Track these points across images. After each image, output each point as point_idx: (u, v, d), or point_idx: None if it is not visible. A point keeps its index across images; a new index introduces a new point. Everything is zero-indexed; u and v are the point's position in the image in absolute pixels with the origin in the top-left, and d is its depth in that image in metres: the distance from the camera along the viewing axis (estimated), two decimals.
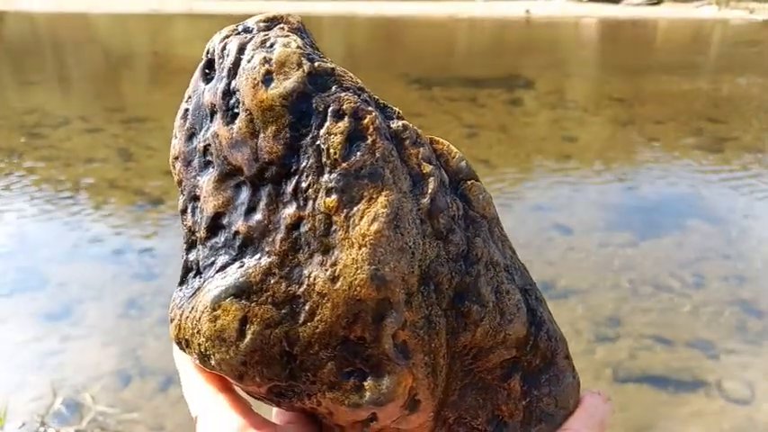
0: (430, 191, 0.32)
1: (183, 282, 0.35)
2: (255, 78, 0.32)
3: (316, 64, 0.33)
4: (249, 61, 0.32)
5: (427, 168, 0.33)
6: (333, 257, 0.30)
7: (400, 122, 0.34)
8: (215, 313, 0.31)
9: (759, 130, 4.80)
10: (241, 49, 0.33)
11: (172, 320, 0.34)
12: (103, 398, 1.98)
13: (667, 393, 2.03)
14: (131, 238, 2.99)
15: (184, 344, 0.33)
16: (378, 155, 0.31)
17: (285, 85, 0.31)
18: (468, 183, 0.35)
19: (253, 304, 0.31)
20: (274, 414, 0.37)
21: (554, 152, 4.21)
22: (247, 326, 0.31)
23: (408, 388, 0.31)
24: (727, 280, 2.62)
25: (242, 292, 0.31)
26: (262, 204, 0.32)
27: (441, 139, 0.35)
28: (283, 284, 0.31)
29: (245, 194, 0.32)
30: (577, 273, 2.67)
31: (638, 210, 3.35)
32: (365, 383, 0.31)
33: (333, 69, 0.33)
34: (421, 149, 0.33)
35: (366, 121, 0.32)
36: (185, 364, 0.35)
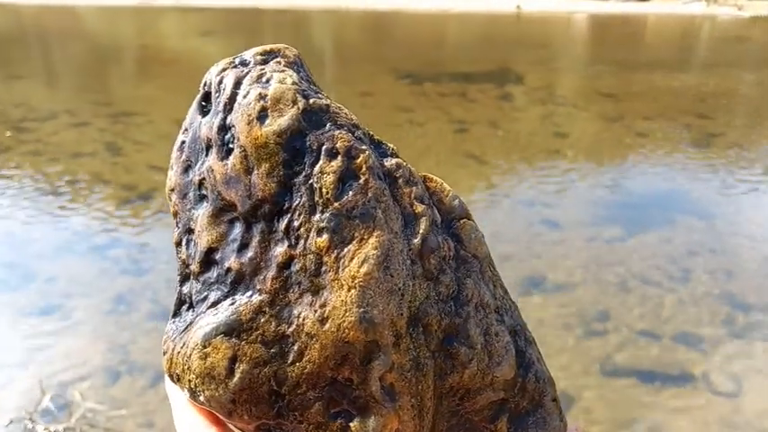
0: (421, 231, 0.33)
1: (176, 314, 0.35)
2: (251, 115, 0.32)
3: (311, 101, 0.33)
4: (245, 97, 0.33)
5: (419, 208, 0.33)
6: (322, 298, 0.31)
7: (394, 161, 0.34)
8: (205, 351, 0.32)
9: (746, 125, 4.85)
10: (237, 84, 0.34)
11: (164, 353, 0.35)
12: (92, 394, 1.97)
13: (655, 387, 2.05)
14: (119, 234, 2.97)
15: (176, 378, 0.34)
16: (370, 195, 0.31)
17: (279, 122, 0.32)
18: (461, 222, 0.35)
19: (243, 343, 0.31)
20: None
21: (544, 147, 4.22)
22: (237, 364, 0.31)
23: (394, 430, 0.31)
24: (714, 274, 2.65)
25: (232, 330, 0.31)
26: (254, 242, 0.32)
27: (435, 177, 0.36)
28: (273, 323, 0.31)
29: (238, 230, 0.33)
30: (566, 267, 2.68)
31: (626, 205, 3.38)
32: (351, 424, 0.31)
33: (328, 106, 0.33)
34: (414, 189, 0.33)
35: (359, 160, 0.32)
36: (177, 397, 0.36)
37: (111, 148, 4.05)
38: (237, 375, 0.31)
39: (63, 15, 10.65)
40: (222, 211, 0.33)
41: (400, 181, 0.33)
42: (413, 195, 0.33)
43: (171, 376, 0.34)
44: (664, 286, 2.56)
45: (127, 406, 1.94)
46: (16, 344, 2.18)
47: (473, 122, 4.65)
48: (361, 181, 0.32)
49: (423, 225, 0.33)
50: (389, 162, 0.34)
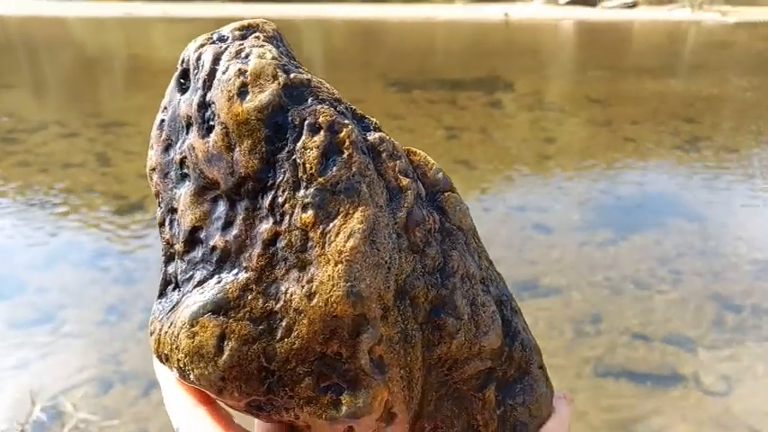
0: (406, 204, 0.32)
1: (162, 294, 0.35)
2: (231, 91, 0.31)
3: (291, 75, 0.32)
4: (224, 73, 0.32)
5: (404, 182, 0.33)
6: (309, 274, 0.30)
7: (377, 134, 0.34)
8: (193, 329, 0.31)
9: (732, 129, 4.90)
10: (216, 60, 0.33)
11: (152, 333, 0.34)
12: (84, 404, 1.95)
13: (646, 388, 2.06)
14: (110, 243, 2.96)
15: (164, 358, 0.33)
16: (354, 169, 0.31)
17: (260, 98, 0.31)
18: (445, 194, 0.35)
19: (230, 320, 0.31)
20: (255, 426, 0.38)
21: (533, 153, 4.25)
22: (225, 342, 0.31)
23: (384, 402, 0.31)
24: (703, 276, 2.67)
25: (219, 308, 0.31)
26: (239, 219, 0.32)
27: (418, 151, 0.36)
28: (260, 300, 0.31)
29: (221, 209, 0.32)
30: (558, 271, 2.70)
31: (616, 208, 3.40)
32: (342, 398, 0.31)
33: (309, 81, 0.33)
34: (398, 162, 0.33)
35: (342, 134, 0.31)
36: (166, 377, 0.35)
37: (101, 158, 4.04)
38: (226, 353, 0.31)
39: (51, 26, 10.61)
40: (205, 189, 0.33)
41: (384, 155, 0.33)
42: (397, 169, 0.33)
43: (159, 356, 0.34)
44: (654, 288, 2.58)
45: (119, 416, 1.92)
46: (7, 355, 2.16)
47: (463, 129, 4.67)
48: (345, 155, 0.31)
49: (407, 198, 0.33)
50: (372, 136, 0.33)
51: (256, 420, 0.37)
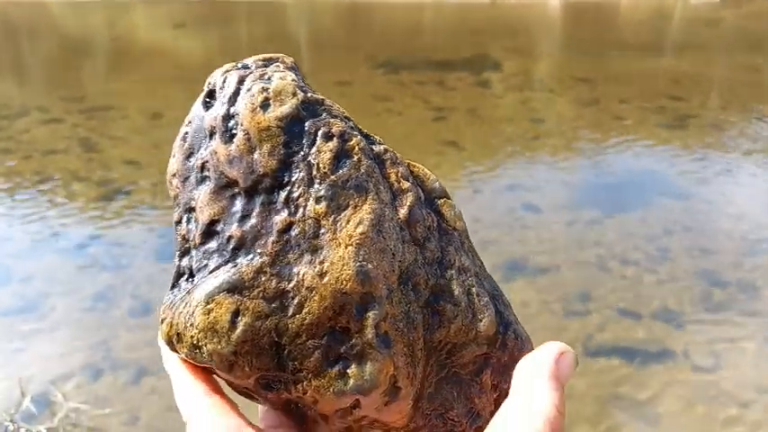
0: (408, 203, 0.36)
1: (174, 286, 0.36)
2: (254, 104, 0.35)
3: (308, 94, 0.36)
4: (248, 90, 0.36)
5: (405, 185, 0.37)
6: (321, 256, 0.34)
7: (382, 146, 0.38)
8: (208, 306, 0.33)
9: (719, 107, 4.92)
10: (241, 81, 0.37)
11: (162, 321, 0.36)
12: (74, 393, 1.94)
13: (636, 364, 2.08)
14: (97, 230, 2.93)
15: (176, 339, 0.35)
16: (362, 170, 0.35)
17: (281, 109, 0.35)
18: (442, 200, 0.39)
19: (245, 299, 0.33)
20: (260, 418, 0.39)
21: (522, 133, 4.24)
22: (239, 318, 0.33)
23: (390, 375, 0.33)
24: (690, 253, 2.69)
25: (234, 287, 0.33)
26: (255, 212, 0.35)
27: (417, 164, 0.40)
28: (274, 281, 0.33)
29: (239, 204, 0.35)
30: (547, 250, 2.71)
31: (604, 187, 3.42)
32: (349, 371, 0.33)
33: (323, 100, 0.37)
34: (400, 168, 0.37)
35: (353, 142, 0.36)
36: (176, 368, 0.36)
37: (85, 143, 3.98)
38: (240, 328, 0.33)
39: (32, 9, 10.40)
40: (224, 187, 0.36)
41: (387, 162, 0.37)
42: (399, 174, 0.37)
43: (170, 339, 0.35)
44: (643, 266, 2.60)
45: (110, 404, 1.92)
46: None
47: (451, 110, 4.65)
48: (355, 159, 0.35)
49: (409, 198, 0.37)
50: (378, 147, 0.38)
51: (260, 415, 0.39)
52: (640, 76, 5.71)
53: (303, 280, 0.33)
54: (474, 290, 0.37)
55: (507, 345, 0.38)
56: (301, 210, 0.34)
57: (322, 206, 0.34)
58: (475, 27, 8.64)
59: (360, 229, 0.33)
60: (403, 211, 0.36)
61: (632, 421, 1.88)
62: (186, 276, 0.36)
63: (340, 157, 0.35)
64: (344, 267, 0.33)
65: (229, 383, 0.35)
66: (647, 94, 5.13)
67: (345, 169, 0.34)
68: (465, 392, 0.37)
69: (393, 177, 0.37)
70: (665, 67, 6.23)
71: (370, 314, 0.33)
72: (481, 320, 0.37)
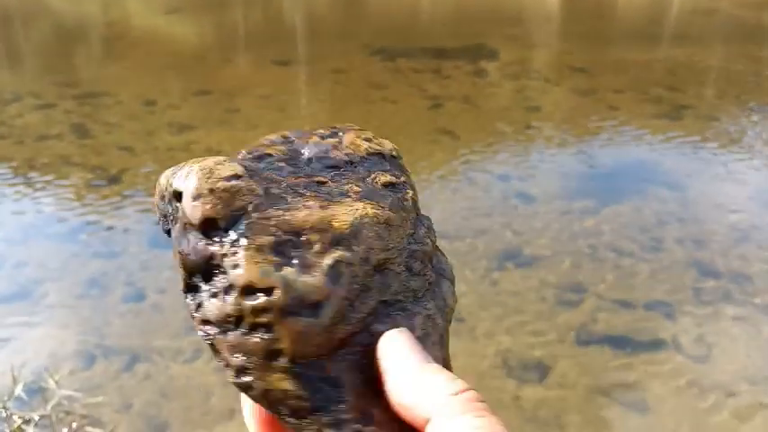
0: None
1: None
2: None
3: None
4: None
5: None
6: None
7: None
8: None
9: (715, 97, 4.92)
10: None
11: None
12: (67, 380, 1.94)
13: (628, 353, 2.10)
14: (90, 216, 2.92)
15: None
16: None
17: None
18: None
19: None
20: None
21: (518, 122, 4.23)
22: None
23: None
24: (683, 243, 2.70)
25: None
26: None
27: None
28: None
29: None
30: (540, 240, 2.71)
31: (598, 177, 3.42)
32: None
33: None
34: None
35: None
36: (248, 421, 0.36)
37: (78, 129, 3.95)
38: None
39: None
40: None
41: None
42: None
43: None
44: (635, 256, 2.61)
45: (103, 391, 1.92)
46: None
47: (448, 98, 4.63)
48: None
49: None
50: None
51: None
52: (637, 66, 5.70)
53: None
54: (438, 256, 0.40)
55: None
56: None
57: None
58: (472, 15, 8.59)
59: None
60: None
61: (623, 410, 1.90)
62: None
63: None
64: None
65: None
66: (644, 84, 5.12)
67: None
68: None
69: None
70: (662, 57, 6.21)
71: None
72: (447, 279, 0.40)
